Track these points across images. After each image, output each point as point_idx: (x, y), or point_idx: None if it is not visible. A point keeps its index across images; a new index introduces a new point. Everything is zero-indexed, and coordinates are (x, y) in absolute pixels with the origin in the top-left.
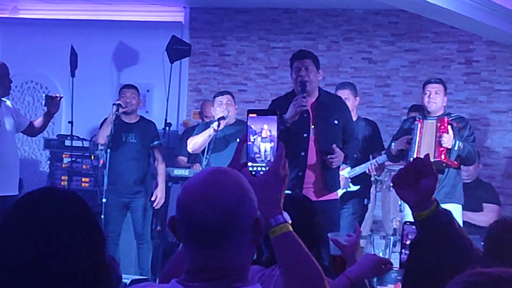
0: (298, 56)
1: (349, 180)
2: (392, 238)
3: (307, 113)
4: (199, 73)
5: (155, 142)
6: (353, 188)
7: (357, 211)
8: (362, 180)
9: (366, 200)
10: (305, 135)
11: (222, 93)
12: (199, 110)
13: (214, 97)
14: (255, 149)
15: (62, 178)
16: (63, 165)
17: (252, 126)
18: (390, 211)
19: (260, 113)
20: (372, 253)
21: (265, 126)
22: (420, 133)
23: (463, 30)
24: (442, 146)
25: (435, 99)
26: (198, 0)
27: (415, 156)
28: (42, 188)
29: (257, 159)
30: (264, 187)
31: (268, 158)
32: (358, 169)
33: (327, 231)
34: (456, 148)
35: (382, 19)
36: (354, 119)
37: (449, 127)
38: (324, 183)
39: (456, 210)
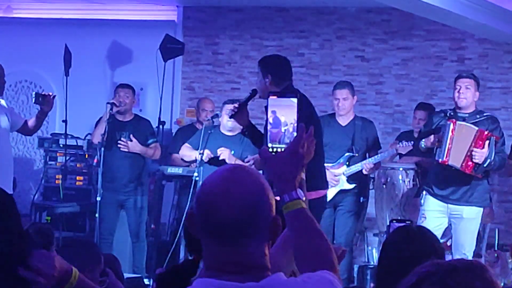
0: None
1: (345, 178)
2: (385, 235)
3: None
4: (193, 72)
5: (151, 140)
6: (349, 186)
7: (352, 209)
8: (359, 178)
9: (362, 198)
10: None
11: (232, 101)
12: (195, 108)
13: (224, 103)
14: (275, 131)
15: (57, 177)
16: (57, 164)
17: (272, 108)
18: (383, 209)
19: (280, 95)
20: (365, 250)
21: (285, 108)
22: (452, 134)
23: (455, 28)
24: (472, 161)
25: (465, 94)
26: None
27: (444, 157)
28: None
29: (277, 140)
30: (282, 163)
31: (287, 140)
32: (354, 168)
33: None
34: (485, 165)
35: (375, 17)
36: (351, 118)
37: (487, 142)
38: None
39: (479, 212)
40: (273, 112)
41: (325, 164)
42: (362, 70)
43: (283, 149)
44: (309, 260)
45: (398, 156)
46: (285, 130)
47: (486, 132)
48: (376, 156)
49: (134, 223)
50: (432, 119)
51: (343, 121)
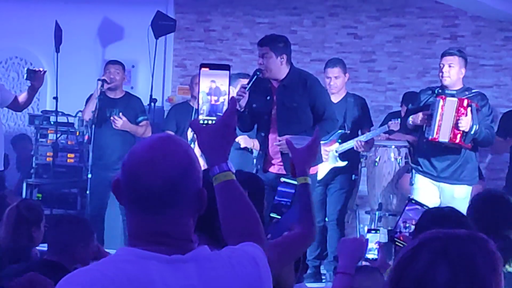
0: (258, 43)
1: (337, 155)
2: (377, 213)
3: (270, 96)
4: (184, 49)
5: (141, 118)
6: (341, 163)
7: (344, 187)
8: (350, 155)
9: (353, 175)
10: (266, 117)
11: (244, 75)
12: (188, 85)
13: (238, 76)
14: (206, 102)
15: (47, 154)
16: (48, 141)
17: (204, 79)
18: (375, 186)
19: (212, 67)
20: (357, 228)
21: (217, 80)
22: (442, 111)
23: (448, 5)
24: (459, 129)
25: (449, 73)
26: None
27: (434, 134)
28: None
29: (208, 112)
30: (213, 135)
31: (219, 111)
32: (346, 145)
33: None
34: (472, 132)
35: None
36: (343, 95)
37: (469, 109)
38: (284, 165)
39: (469, 191)
40: (205, 83)
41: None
42: (355, 48)
43: (213, 122)
44: (236, 231)
45: (389, 133)
46: (215, 101)
47: (465, 100)
48: (368, 133)
49: None
50: (419, 97)
51: (335, 98)
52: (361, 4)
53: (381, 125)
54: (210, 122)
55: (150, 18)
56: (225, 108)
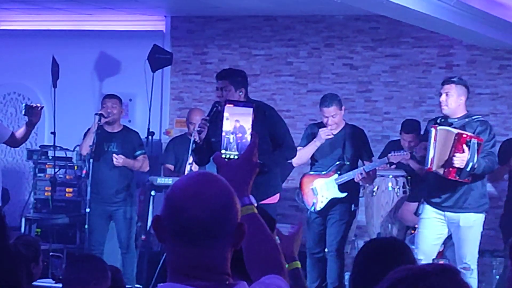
0: (217, 76)
1: (337, 186)
2: None
3: None
4: (181, 82)
5: (139, 152)
6: (340, 194)
7: (344, 217)
8: (350, 186)
9: (353, 206)
10: None
11: None
12: (185, 118)
13: None
14: (230, 138)
15: (46, 188)
16: (46, 176)
17: (228, 115)
18: (373, 216)
19: (236, 103)
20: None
21: (241, 117)
22: (434, 141)
23: (443, 35)
24: (453, 166)
25: (446, 101)
26: (179, 8)
27: (429, 164)
28: None
29: (231, 148)
30: (236, 170)
31: (241, 146)
32: (346, 177)
33: None
34: (468, 168)
35: (363, 25)
36: (341, 126)
37: (465, 145)
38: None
39: (477, 219)
40: (228, 119)
41: (316, 173)
42: (351, 78)
43: (236, 157)
44: (259, 264)
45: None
46: (239, 138)
47: (464, 135)
48: (368, 165)
49: (124, 234)
50: (426, 127)
51: (333, 131)
52: (356, 34)
53: (381, 154)
54: (232, 157)
55: (146, 51)
56: (246, 143)
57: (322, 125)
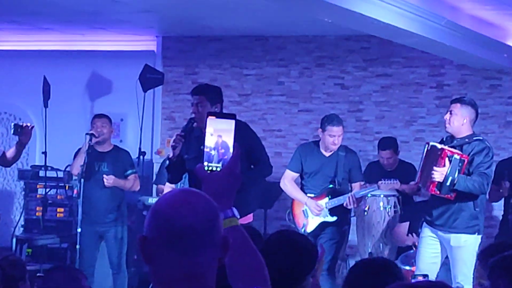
0: (192, 92)
1: (327, 210)
2: None
3: (203, 145)
4: (173, 102)
5: (129, 171)
6: (331, 219)
7: (335, 237)
8: (340, 210)
9: (344, 226)
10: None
11: None
12: None
13: None
14: (212, 152)
15: (37, 208)
16: (38, 196)
17: (210, 127)
18: (365, 236)
19: (218, 116)
20: None
21: (223, 131)
22: (424, 156)
23: (434, 55)
24: (432, 180)
25: (449, 120)
26: (171, 28)
27: (417, 179)
28: None
29: (213, 159)
30: (219, 182)
31: (224, 158)
32: (336, 201)
33: None
34: (448, 183)
35: (354, 45)
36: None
37: (446, 159)
38: None
39: (468, 239)
40: (211, 131)
41: (308, 194)
42: (342, 98)
43: (219, 169)
44: (243, 277)
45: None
46: (221, 153)
47: (446, 150)
48: (358, 191)
49: (115, 254)
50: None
51: (327, 152)
52: (348, 54)
53: (363, 176)
54: (215, 169)
55: (138, 71)
56: (228, 157)
57: (317, 144)
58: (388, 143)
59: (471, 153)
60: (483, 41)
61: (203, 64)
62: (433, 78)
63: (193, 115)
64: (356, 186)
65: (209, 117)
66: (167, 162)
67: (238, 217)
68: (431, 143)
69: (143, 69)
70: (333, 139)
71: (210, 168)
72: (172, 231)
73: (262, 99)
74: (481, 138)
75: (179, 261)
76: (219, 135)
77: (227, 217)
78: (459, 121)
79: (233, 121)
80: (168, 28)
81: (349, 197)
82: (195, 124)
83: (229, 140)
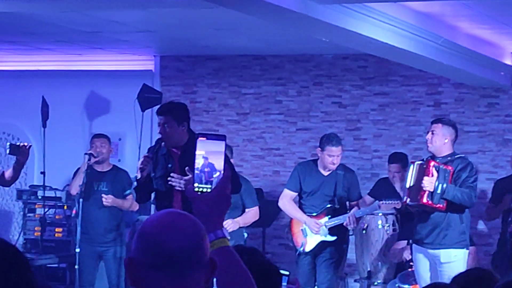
0: (158, 112)
1: (326, 230)
2: (366, 281)
3: (172, 164)
4: None
5: (128, 191)
6: (331, 238)
7: (334, 256)
8: (339, 230)
9: (344, 244)
10: (168, 185)
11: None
12: None
13: None
14: (202, 174)
15: (36, 228)
16: (36, 216)
17: (200, 149)
18: (363, 254)
19: (209, 137)
20: None
21: (213, 154)
22: (410, 174)
23: (431, 73)
24: (423, 190)
25: (431, 140)
26: (168, 48)
27: (404, 199)
28: None
29: (203, 181)
30: (210, 204)
31: (213, 180)
32: (336, 221)
33: None
34: (439, 191)
35: (351, 64)
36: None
37: (433, 169)
38: None
39: (458, 254)
40: (201, 153)
41: (307, 214)
42: (340, 116)
43: (209, 190)
44: None
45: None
46: (211, 171)
47: (431, 161)
48: (358, 211)
49: (114, 273)
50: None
51: (325, 171)
52: (345, 73)
53: (371, 191)
54: (205, 190)
55: (136, 91)
56: (217, 176)
57: (315, 163)
58: (397, 157)
59: (456, 170)
60: (480, 59)
61: (201, 83)
62: (431, 97)
63: (159, 136)
64: (354, 205)
65: (199, 138)
66: (135, 183)
67: (229, 238)
68: (416, 162)
69: (141, 88)
70: (332, 158)
71: (200, 190)
72: (158, 254)
73: (260, 117)
74: (463, 156)
75: (165, 284)
76: (205, 157)
77: (218, 238)
78: (441, 141)
79: (223, 142)
80: (166, 47)
81: (349, 217)
82: (163, 144)
83: (219, 161)
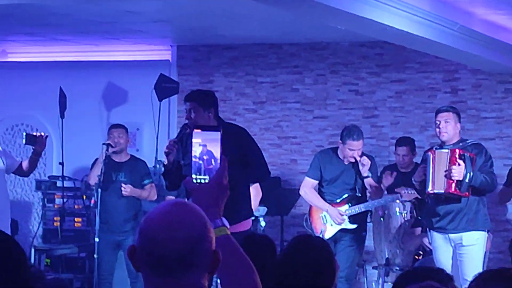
0: (185, 98)
1: (347, 218)
2: (385, 268)
3: None
4: None
5: (146, 181)
6: (350, 226)
7: (353, 244)
8: (360, 218)
9: (363, 232)
10: None
11: None
12: None
13: None
14: (200, 163)
15: (55, 218)
16: (55, 206)
17: (196, 140)
18: (381, 241)
19: (204, 128)
20: (365, 283)
21: (209, 142)
22: (433, 164)
23: (448, 60)
24: (452, 179)
25: (446, 128)
26: (185, 38)
27: (430, 188)
28: None
29: (201, 172)
30: (208, 194)
31: (210, 170)
32: (357, 209)
33: None
34: (467, 180)
35: (368, 51)
36: None
37: (459, 159)
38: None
39: (480, 237)
40: (197, 144)
41: (328, 201)
42: (357, 104)
43: (207, 180)
44: (234, 284)
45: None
46: (208, 163)
47: (457, 151)
48: (379, 200)
49: None
50: (423, 157)
51: (345, 159)
52: (362, 60)
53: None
54: (203, 181)
55: (153, 81)
56: (215, 167)
57: (335, 151)
58: (405, 140)
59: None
60: (497, 45)
61: (218, 72)
62: (448, 83)
63: (186, 121)
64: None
65: (195, 130)
66: (163, 169)
67: (228, 226)
68: (438, 150)
69: (158, 78)
70: (352, 152)
71: (198, 181)
72: (151, 254)
73: (277, 106)
74: (474, 140)
75: (164, 282)
76: (203, 144)
77: (217, 227)
78: (454, 129)
79: (218, 133)
80: (183, 37)
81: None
82: (188, 130)
83: (216, 149)
